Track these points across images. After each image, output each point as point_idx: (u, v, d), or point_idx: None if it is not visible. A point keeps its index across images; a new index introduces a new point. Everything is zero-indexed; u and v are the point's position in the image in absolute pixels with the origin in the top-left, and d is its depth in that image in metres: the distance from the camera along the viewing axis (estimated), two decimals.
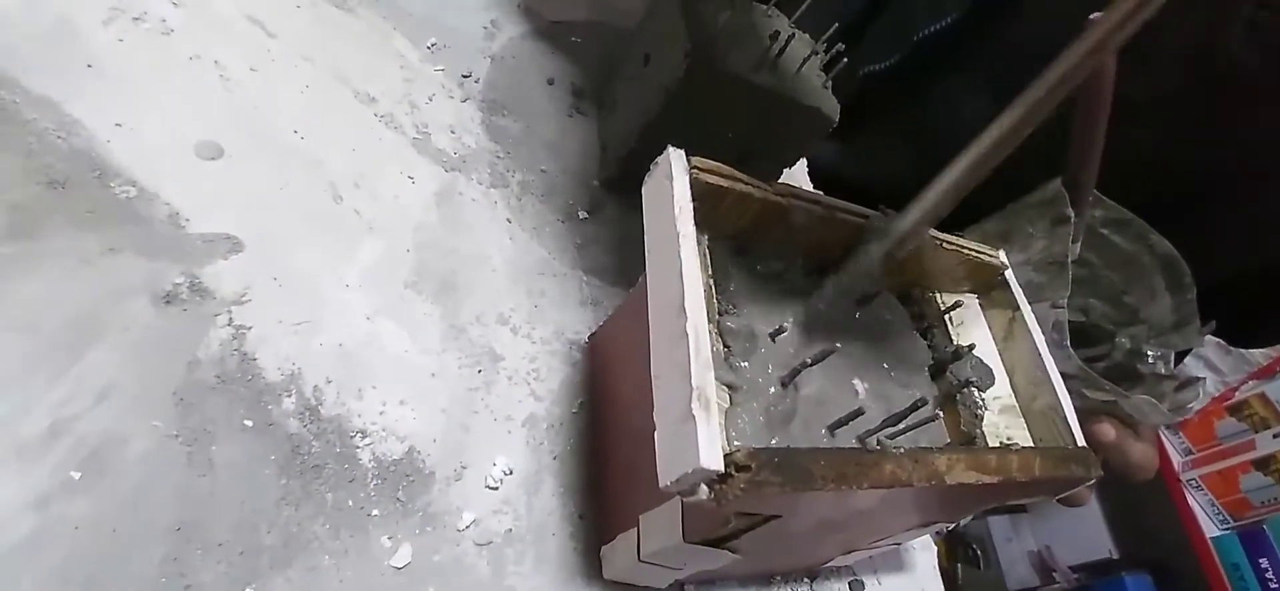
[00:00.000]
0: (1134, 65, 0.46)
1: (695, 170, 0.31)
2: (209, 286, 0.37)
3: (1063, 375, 0.49)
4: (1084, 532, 1.53)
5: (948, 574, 1.51)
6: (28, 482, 0.30)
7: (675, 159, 0.30)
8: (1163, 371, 0.55)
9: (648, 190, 0.32)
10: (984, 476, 0.30)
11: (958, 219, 0.61)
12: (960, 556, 1.53)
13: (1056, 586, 1.55)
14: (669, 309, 0.27)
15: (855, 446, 0.32)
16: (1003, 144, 0.29)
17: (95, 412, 0.32)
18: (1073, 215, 0.51)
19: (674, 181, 0.30)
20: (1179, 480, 1.34)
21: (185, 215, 0.38)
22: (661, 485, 0.26)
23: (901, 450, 0.29)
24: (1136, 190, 0.55)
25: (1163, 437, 1.38)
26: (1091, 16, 0.45)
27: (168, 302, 0.36)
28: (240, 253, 0.38)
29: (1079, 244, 0.52)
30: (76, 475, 0.30)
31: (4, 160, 0.36)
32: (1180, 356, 0.56)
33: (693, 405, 0.24)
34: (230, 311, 0.37)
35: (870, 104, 0.68)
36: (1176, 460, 1.37)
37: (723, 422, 0.29)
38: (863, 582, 0.45)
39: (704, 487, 0.25)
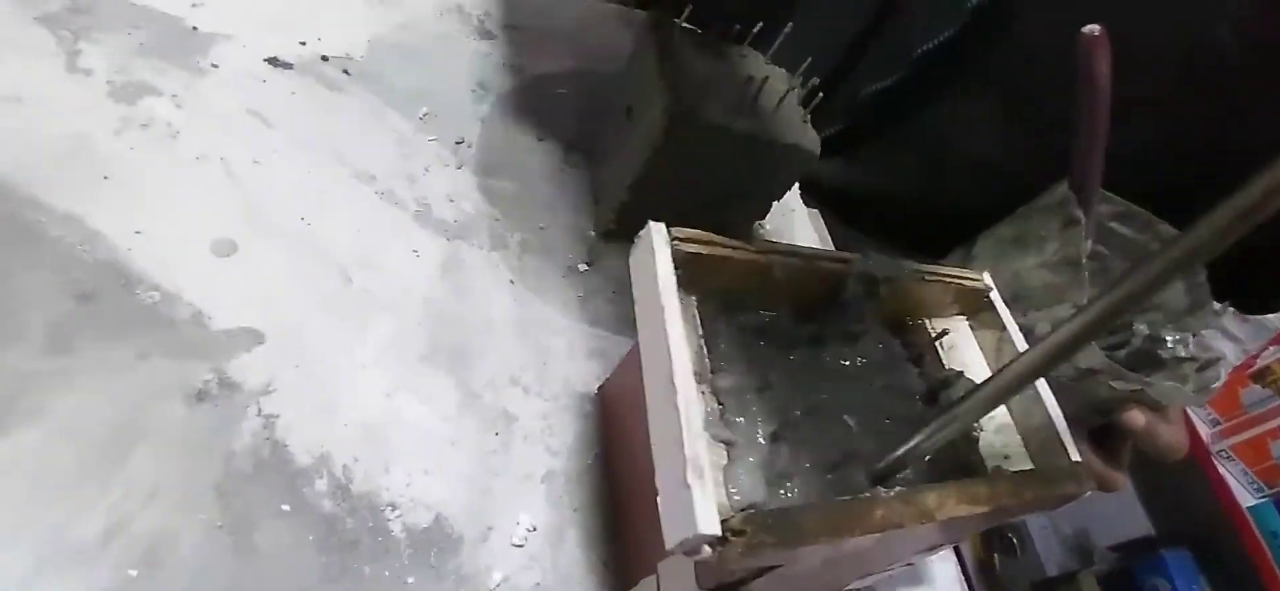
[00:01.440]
0: (1129, 66, 0.47)
1: (676, 241, 0.33)
2: (236, 380, 0.39)
3: (1089, 370, 0.50)
4: (1120, 513, 1.52)
5: (984, 564, 1.51)
6: (91, 585, 0.32)
7: (656, 233, 0.32)
8: (1183, 354, 0.56)
9: (633, 262, 0.33)
10: (975, 507, 0.32)
11: (969, 226, 0.63)
12: (996, 546, 1.52)
13: (1095, 568, 1.54)
14: (661, 379, 0.29)
15: (848, 494, 0.34)
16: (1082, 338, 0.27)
17: (145, 512, 0.34)
18: (1082, 216, 0.52)
19: (656, 255, 0.32)
20: (1209, 453, 1.34)
21: (207, 313, 0.40)
22: (667, 547, 0.28)
23: (892, 493, 0.30)
24: (1138, 185, 0.56)
25: (1189, 412, 1.37)
26: (1084, 29, 0.47)
27: (200, 400, 0.38)
28: (262, 344, 0.41)
29: (1090, 241, 0.53)
30: (134, 573, 0.33)
31: (37, 278, 0.38)
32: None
33: (688, 475, 0.26)
34: (258, 402, 0.39)
35: (873, 121, 0.69)
36: (1205, 432, 1.37)
37: (722, 480, 0.31)
38: None
39: (706, 547, 0.27)
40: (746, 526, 0.26)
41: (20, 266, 0.38)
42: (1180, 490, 1.41)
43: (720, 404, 0.33)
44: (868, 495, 0.30)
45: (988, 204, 0.61)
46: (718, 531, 0.26)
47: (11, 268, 0.38)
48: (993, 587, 1.51)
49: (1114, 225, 0.58)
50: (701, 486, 0.26)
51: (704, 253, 0.33)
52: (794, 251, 0.35)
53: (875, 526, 0.29)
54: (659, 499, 0.28)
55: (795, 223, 0.68)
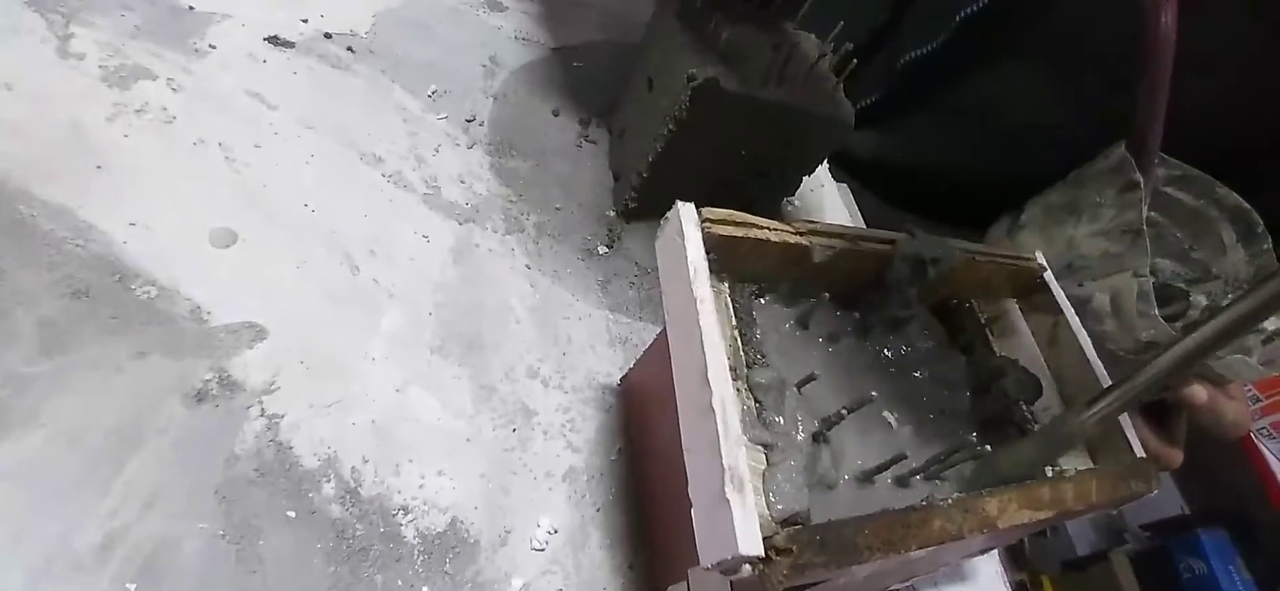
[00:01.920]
0: (1197, 16, 0.44)
1: (707, 223, 0.30)
2: (238, 379, 0.37)
3: (1150, 343, 0.47)
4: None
5: (1014, 544, 1.48)
6: None
7: (685, 214, 0.29)
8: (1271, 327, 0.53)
9: (660, 247, 0.31)
10: (1038, 513, 0.29)
11: (1014, 197, 0.60)
12: None
13: (1127, 547, 1.51)
14: (693, 378, 0.27)
15: (898, 500, 0.31)
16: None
17: (144, 521, 0.32)
18: (1140, 179, 0.49)
19: (686, 239, 0.29)
20: (1249, 431, 1.29)
21: (206, 308, 0.38)
22: (703, 566, 0.25)
23: (950, 500, 0.27)
24: (1201, 145, 0.53)
25: None
26: None
27: (199, 401, 0.36)
28: (264, 340, 0.38)
29: (1147, 206, 0.50)
30: (133, 586, 0.31)
31: (29, 276, 0.36)
32: None
33: (726, 488, 0.24)
34: (261, 402, 0.37)
35: (911, 90, 0.66)
36: None
37: (761, 486, 0.28)
38: None
39: (747, 567, 0.24)
40: (793, 544, 0.23)
41: (12, 263, 0.36)
42: (1217, 468, 1.37)
43: (757, 401, 0.30)
44: (925, 502, 0.27)
45: (1035, 173, 0.58)
46: (760, 551, 0.23)
47: (3, 265, 0.36)
48: (1022, 567, 1.47)
49: (1170, 190, 0.54)
50: (742, 500, 0.23)
51: (737, 234, 0.30)
52: (835, 232, 0.32)
53: (933, 538, 0.26)
54: (693, 511, 0.26)
55: (825, 199, 0.65)
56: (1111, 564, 1.47)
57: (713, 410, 0.25)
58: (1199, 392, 0.52)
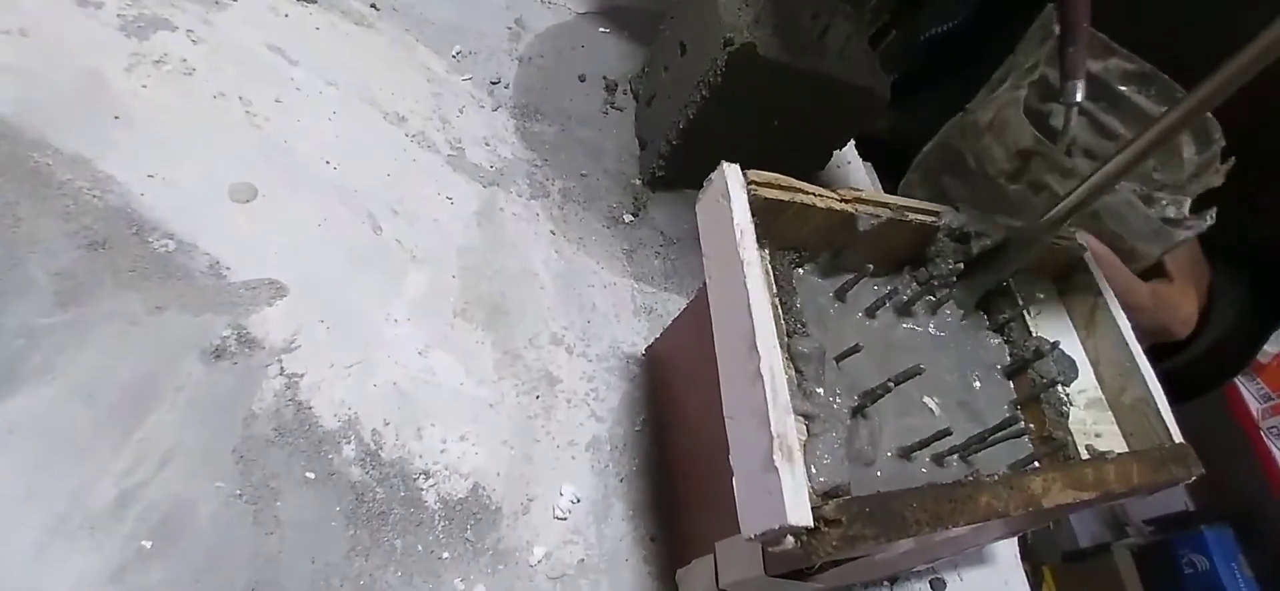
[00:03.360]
0: None
1: (753, 185, 0.29)
2: (257, 336, 0.36)
3: (1024, 153, 0.45)
4: None
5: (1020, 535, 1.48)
6: (104, 556, 0.29)
7: (731, 176, 0.28)
8: (1172, 215, 0.50)
9: (702, 209, 0.30)
10: (1082, 494, 0.28)
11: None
12: None
13: (1129, 541, 1.50)
14: (738, 344, 0.26)
15: (935, 481, 0.30)
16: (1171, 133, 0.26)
17: (160, 478, 0.31)
18: (1057, 28, 0.46)
19: (732, 200, 0.28)
20: (1259, 428, 1.29)
21: (226, 263, 0.37)
22: (744, 536, 0.24)
23: (995, 477, 0.27)
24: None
25: (1240, 387, 1.32)
26: None
27: (217, 357, 0.35)
28: (284, 297, 0.38)
29: (1083, 82, 0.46)
30: (148, 544, 0.30)
31: (46, 225, 0.35)
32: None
33: (775, 455, 0.23)
34: (280, 360, 0.36)
35: (932, 67, 0.65)
36: (1255, 408, 1.31)
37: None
38: (944, 581, 0.43)
39: (791, 538, 0.23)
40: (841, 515, 0.22)
41: (28, 211, 0.35)
42: (1223, 464, 1.36)
43: (798, 371, 0.29)
44: (970, 477, 0.26)
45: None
46: (810, 521, 0.22)
47: (19, 213, 0.35)
48: (1024, 556, 1.47)
49: (1127, 90, 0.52)
50: (791, 470, 0.23)
51: (783, 199, 0.29)
52: (880, 201, 0.31)
53: (979, 514, 0.25)
54: (735, 481, 0.25)
55: (851, 176, 0.64)
56: (1113, 556, 1.47)
57: (761, 376, 0.24)
58: (1141, 291, 0.49)
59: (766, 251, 0.31)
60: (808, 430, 0.28)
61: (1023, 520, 0.34)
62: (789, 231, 0.31)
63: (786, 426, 0.23)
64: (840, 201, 0.31)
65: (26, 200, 0.35)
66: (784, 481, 0.22)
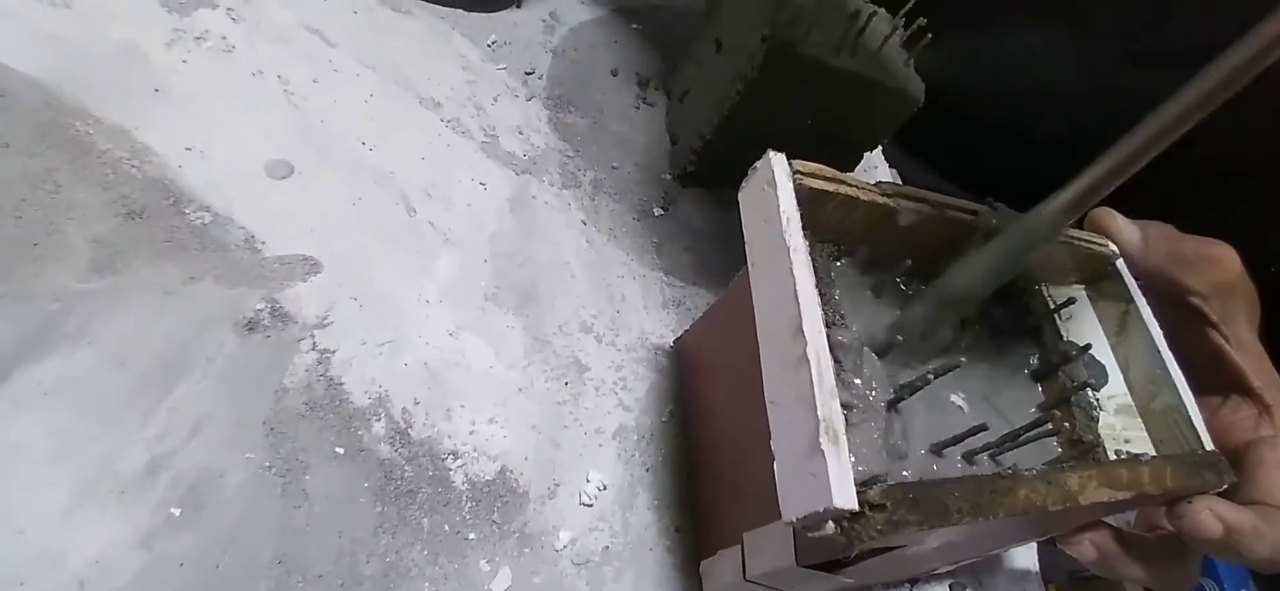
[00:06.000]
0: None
1: (798, 175, 0.29)
2: (290, 311, 0.36)
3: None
4: None
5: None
6: (132, 521, 0.29)
7: (777, 164, 0.28)
8: None
9: (746, 198, 0.30)
10: (1117, 493, 0.28)
11: (1040, 160, 0.56)
12: None
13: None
14: (784, 330, 0.26)
15: (971, 469, 0.30)
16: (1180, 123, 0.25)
17: (190, 447, 0.32)
18: None
19: (778, 189, 0.28)
20: None
21: (260, 238, 0.37)
22: (785, 520, 0.24)
23: (1032, 472, 0.27)
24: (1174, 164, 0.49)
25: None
26: None
27: (250, 330, 0.35)
28: (318, 273, 0.38)
29: None
30: (176, 511, 0.30)
31: (84, 193, 0.35)
32: None
33: (821, 439, 0.23)
34: (313, 336, 0.36)
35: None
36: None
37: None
38: (964, 585, 0.43)
39: (832, 524, 0.23)
40: (887, 500, 0.22)
41: (67, 178, 0.35)
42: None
43: (837, 361, 0.29)
44: (1011, 471, 0.26)
45: (1059, 137, 0.56)
46: (855, 505, 0.22)
47: (58, 180, 0.35)
48: None
49: None
50: (837, 453, 0.23)
51: (827, 189, 0.29)
52: (921, 197, 0.31)
53: (1018, 507, 0.25)
54: (776, 465, 0.25)
55: (876, 177, 0.64)
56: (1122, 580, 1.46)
57: (807, 360, 0.24)
58: (1211, 523, 0.32)
59: (806, 242, 0.31)
60: (847, 420, 0.28)
61: (1054, 520, 0.34)
62: (829, 224, 0.31)
63: (832, 410, 0.23)
64: (882, 195, 0.31)
65: (66, 167, 0.35)
66: (830, 464, 0.22)
